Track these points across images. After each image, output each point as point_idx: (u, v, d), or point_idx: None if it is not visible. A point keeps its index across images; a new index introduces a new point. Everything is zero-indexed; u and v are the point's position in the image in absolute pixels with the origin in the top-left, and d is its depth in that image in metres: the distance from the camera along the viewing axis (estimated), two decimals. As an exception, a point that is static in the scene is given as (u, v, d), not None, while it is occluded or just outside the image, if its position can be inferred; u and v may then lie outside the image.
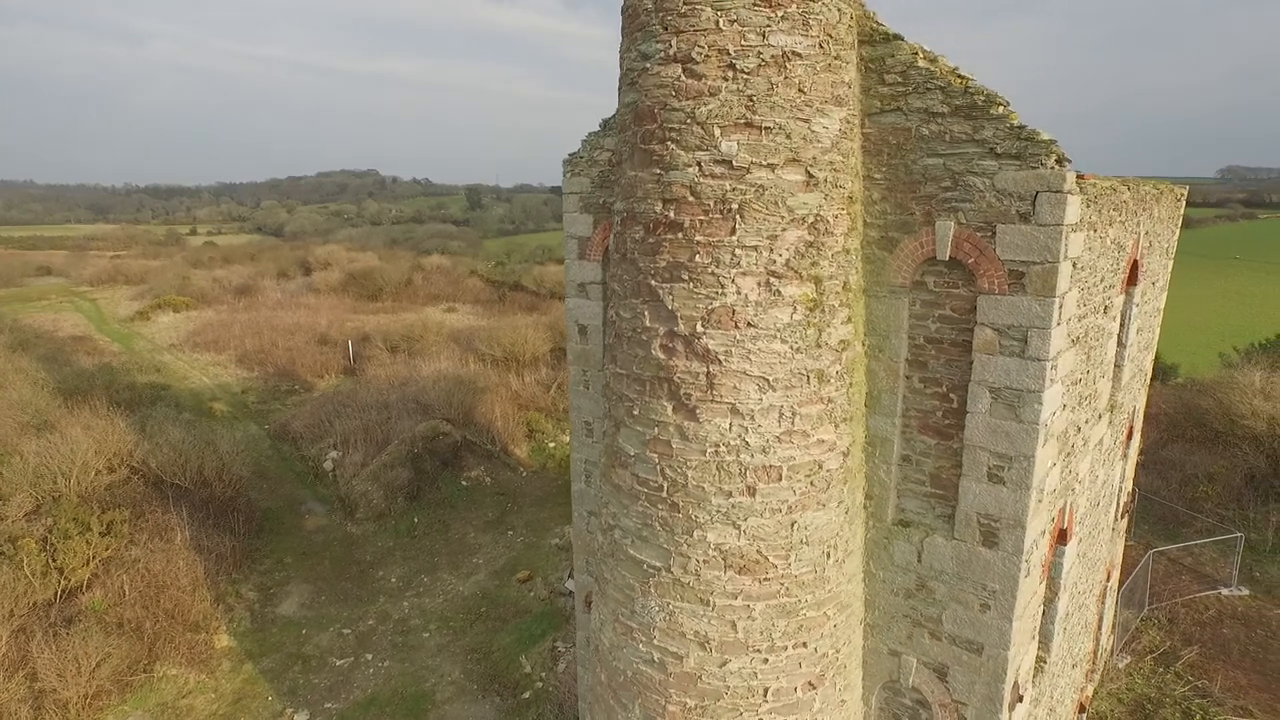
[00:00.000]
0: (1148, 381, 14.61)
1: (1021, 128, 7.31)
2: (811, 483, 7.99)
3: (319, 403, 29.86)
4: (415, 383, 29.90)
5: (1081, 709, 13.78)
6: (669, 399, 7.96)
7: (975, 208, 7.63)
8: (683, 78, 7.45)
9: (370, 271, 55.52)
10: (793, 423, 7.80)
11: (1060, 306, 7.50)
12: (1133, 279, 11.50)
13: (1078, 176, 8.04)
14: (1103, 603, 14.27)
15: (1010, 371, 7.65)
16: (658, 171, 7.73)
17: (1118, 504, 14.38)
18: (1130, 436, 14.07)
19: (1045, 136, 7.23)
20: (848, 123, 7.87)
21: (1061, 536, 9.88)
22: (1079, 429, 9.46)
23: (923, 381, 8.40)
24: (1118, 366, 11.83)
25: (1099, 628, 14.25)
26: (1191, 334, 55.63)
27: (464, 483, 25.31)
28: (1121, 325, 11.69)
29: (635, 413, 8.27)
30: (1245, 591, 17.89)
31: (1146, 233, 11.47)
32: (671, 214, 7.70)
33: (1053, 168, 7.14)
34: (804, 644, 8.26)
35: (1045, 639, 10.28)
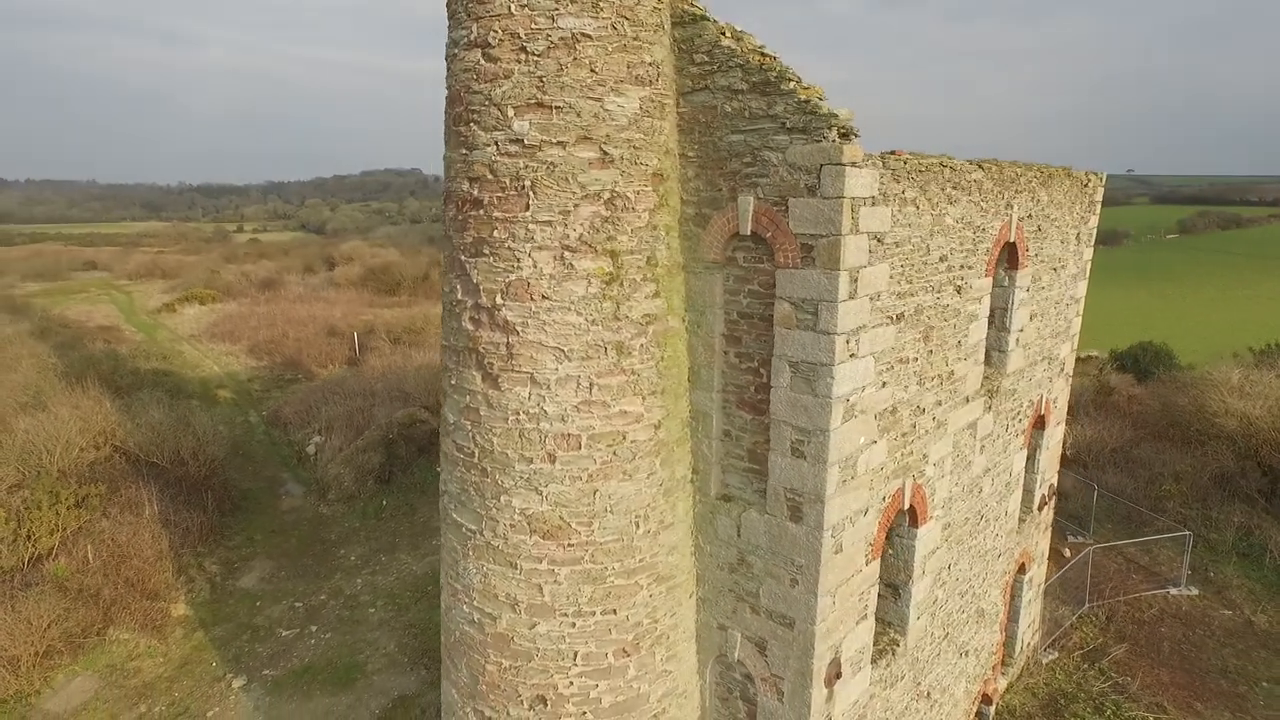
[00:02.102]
0: (1065, 372, 14.29)
1: (806, 102, 7.41)
2: (615, 453, 8.21)
3: (310, 391, 30.97)
4: (400, 372, 30.77)
5: (987, 700, 13.60)
6: (477, 369, 8.28)
7: (771, 183, 7.76)
8: (482, 62, 7.75)
9: (389, 266, 57.02)
10: (590, 393, 8.03)
11: (854, 280, 7.57)
12: (1012, 262, 11.35)
13: (890, 153, 8.11)
14: (1011, 595, 14.04)
15: (805, 345, 7.74)
16: (464, 152, 8.05)
17: (1033, 495, 14.14)
18: (1041, 426, 13.80)
19: (826, 110, 7.32)
20: (652, 101, 8.05)
21: (913, 519, 9.87)
22: (923, 410, 9.43)
23: (738, 357, 8.54)
24: (1000, 351, 11.68)
25: (1008, 619, 14.02)
26: (1228, 334, 53.37)
27: (437, 469, 25.96)
28: (1001, 309, 11.53)
29: (453, 382, 8.61)
30: (1194, 591, 17.30)
31: (1029, 216, 11.30)
32: (475, 192, 8.01)
33: (834, 141, 7.22)
34: (613, 611, 8.48)
35: (899, 622, 10.27)
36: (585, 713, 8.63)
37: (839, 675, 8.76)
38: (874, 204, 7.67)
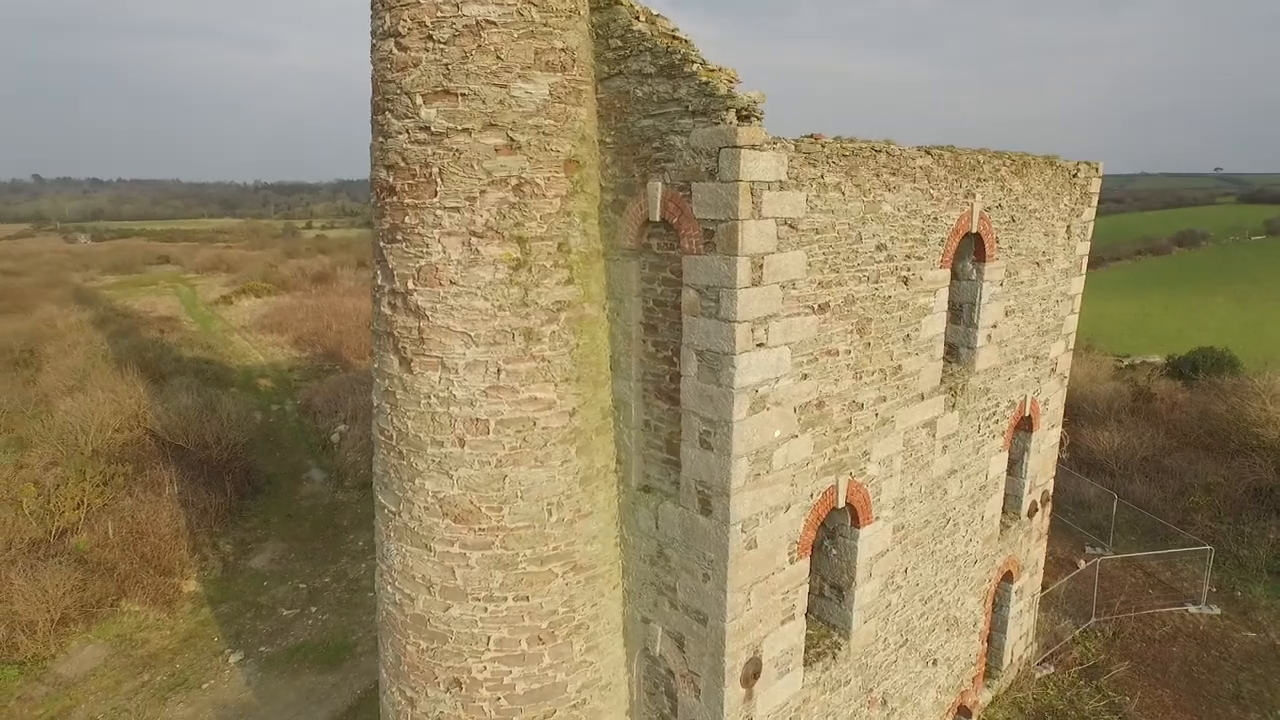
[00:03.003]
0: (1058, 372, 13.55)
1: (706, 84, 7.25)
2: (524, 439, 8.19)
3: (341, 381, 31.97)
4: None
5: (965, 712, 13.03)
6: (394, 353, 8.40)
7: (677, 167, 7.62)
8: (394, 51, 7.85)
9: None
10: (498, 378, 8.04)
11: (758, 266, 7.36)
12: (980, 254, 10.83)
13: (809, 137, 7.87)
14: (995, 604, 13.40)
15: (709, 333, 7.57)
16: (381, 140, 8.18)
17: (1020, 501, 13.48)
18: (1029, 428, 13.12)
19: (724, 91, 7.14)
20: (565, 87, 8.01)
21: (854, 518, 9.54)
22: (862, 405, 9.09)
23: (655, 345, 8.41)
24: (968, 348, 11.16)
25: (991, 629, 13.39)
26: (1308, 340, 49.72)
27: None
28: (968, 304, 11.02)
29: (377, 366, 8.76)
30: (1216, 610, 16.17)
31: (998, 206, 10.76)
32: (390, 179, 8.12)
33: (731, 123, 7.04)
34: (526, 598, 8.47)
35: (842, 624, 9.94)
36: (500, 698, 8.65)
37: (757, 675, 8.53)
38: (782, 188, 7.43)
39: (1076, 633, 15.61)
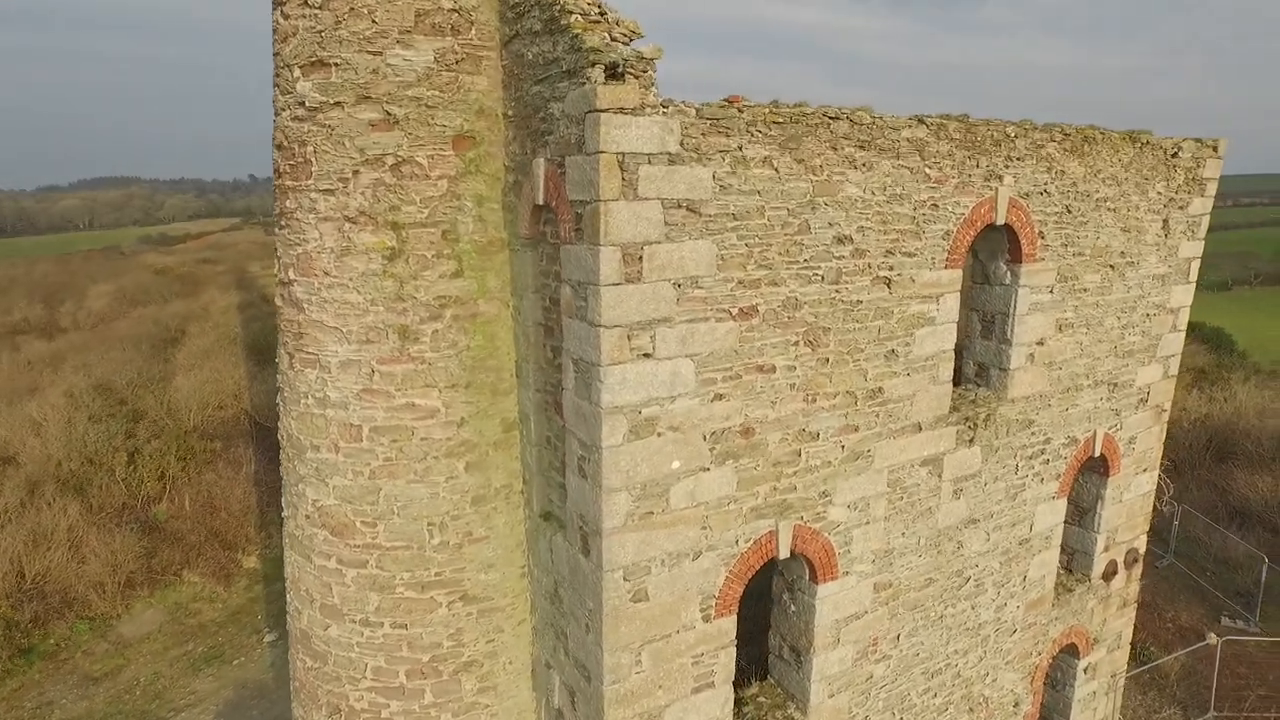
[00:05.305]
0: (1150, 403, 10.74)
1: (576, 37, 6.01)
2: (401, 449, 7.33)
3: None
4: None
5: (1001, 815, 10.66)
6: (284, 348, 7.84)
7: (556, 139, 6.45)
8: (280, 20, 7.28)
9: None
10: (371, 380, 7.24)
11: (633, 258, 6.04)
12: (1015, 254, 8.64)
13: (725, 101, 6.43)
14: (1045, 683, 10.86)
15: (581, 339, 6.34)
16: (274, 118, 7.63)
17: (1091, 560, 10.87)
18: (1104, 471, 10.50)
19: (591, 43, 5.87)
20: (456, 54, 7.06)
21: (812, 573, 7.86)
22: (816, 435, 7.40)
23: (552, 351, 7.26)
24: (999, 369, 8.96)
25: (1038, 712, 10.86)
26: None
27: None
28: (1001, 315, 8.84)
29: (276, 361, 8.26)
30: (1390, 727, 12.37)
31: (1043, 192, 8.53)
32: (278, 160, 7.56)
33: (595, 81, 5.77)
34: (404, 626, 7.62)
35: (800, 695, 8.25)
36: (381, 733, 7.87)
37: (656, 749, 7.13)
38: (671, 162, 6.04)
39: (1182, 730, 12.51)
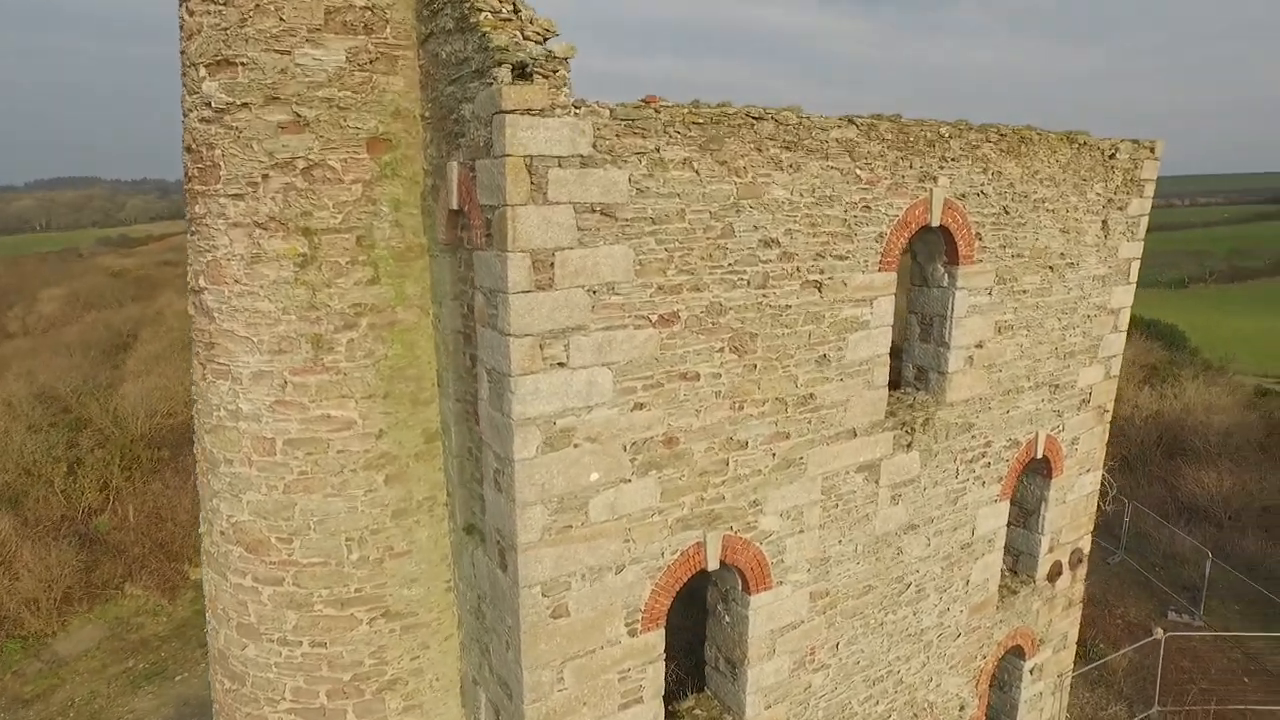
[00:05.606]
0: (1091, 403, 10.81)
1: (484, 35, 5.81)
2: (316, 463, 7.07)
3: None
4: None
5: (947, 818, 10.65)
6: (196, 359, 7.54)
7: (468, 142, 6.26)
8: (185, 17, 6.97)
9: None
10: (284, 392, 6.97)
11: (544, 265, 5.87)
12: (952, 255, 8.61)
13: (641, 101, 6.27)
14: (991, 685, 10.88)
15: (493, 348, 6.16)
16: (182, 119, 7.32)
17: (1036, 561, 10.91)
18: (1047, 473, 10.54)
19: (498, 42, 5.67)
20: (369, 53, 6.81)
21: (745, 583, 7.73)
22: (745, 444, 7.28)
23: (471, 359, 7.04)
24: (937, 372, 8.93)
25: (984, 715, 10.87)
26: None
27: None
28: (939, 317, 8.81)
29: (192, 373, 7.94)
30: (1327, 720, 12.61)
31: (980, 194, 8.51)
32: (188, 164, 7.26)
33: (501, 81, 5.57)
34: (323, 645, 7.35)
35: (735, 708, 8.13)
36: (302, 756, 7.59)
37: (582, 767, 6.95)
38: (583, 165, 5.86)
39: (1126, 727, 12.64)
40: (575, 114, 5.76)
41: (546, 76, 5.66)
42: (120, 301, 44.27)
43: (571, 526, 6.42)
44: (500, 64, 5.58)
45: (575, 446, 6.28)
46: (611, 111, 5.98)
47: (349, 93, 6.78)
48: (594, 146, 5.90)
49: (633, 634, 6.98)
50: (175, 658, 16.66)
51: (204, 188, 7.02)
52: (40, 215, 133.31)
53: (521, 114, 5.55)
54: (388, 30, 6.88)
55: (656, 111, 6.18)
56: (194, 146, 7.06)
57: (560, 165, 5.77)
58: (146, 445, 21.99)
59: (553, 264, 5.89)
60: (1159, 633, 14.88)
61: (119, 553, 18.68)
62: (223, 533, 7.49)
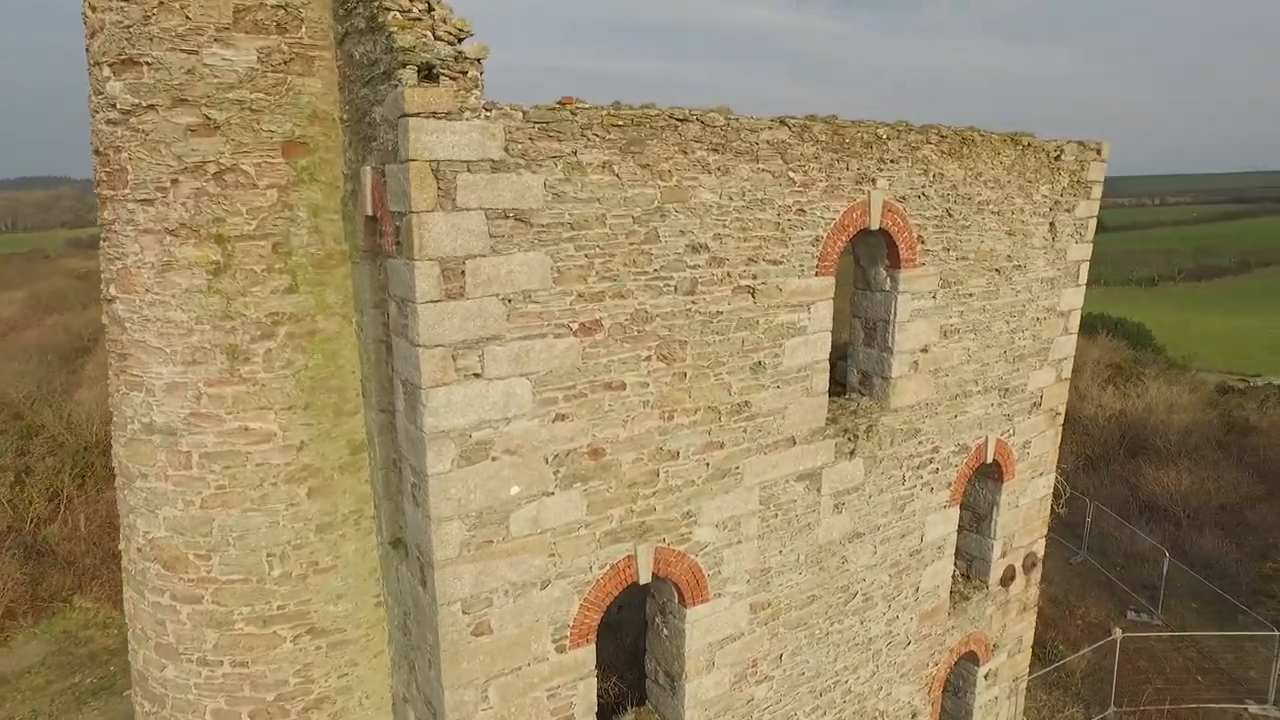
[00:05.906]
0: (1042, 406, 10.79)
1: (391, 35, 5.62)
2: (234, 476, 6.84)
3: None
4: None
5: (898, 825, 10.58)
6: (110, 369, 7.29)
7: (379, 146, 6.06)
8: (88, 13, 6.70)
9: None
10: (199, 404, 6.73)
11: (455, 273, 5.70)
12: (894, 259, 8.52)
13: (557, 103, 6.10)
14: (953, 691, 10.85)
15: (406, 359, 5.97)
16: (91, 121, 7.05)
17: (989, 566, 10.88)
18: (998, 478, 10.51)
19: (402, 43, 5.48)
20: (283, 54, 6.59)
21: (681, 596, 7.59)
22: (676, 454, 7.13)
23: (392, 369, 6.83)
24: (881, 378, 8.85)
25: (935, 724, 10.83)
26: None
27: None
28: (882, 322, 8.72)
29: (108, 384, 7.67)
30: None
31: (920, 196, 8.43)
32: (97, 166, 6.99)
33: (405, 83, 5.38)
34: (244, 664, 7.12)
35: (674, 720, 7.98)
36: (224, 780, 7.35)
37: (509, 787, 6.77)
38: (494, 169, 5.69)
39: (1081, 729, 12.66)
40: (485, 117, 5.59)
41: (454, 78, 5.49)
42: (83, 304, 43.31)
43: (492, 541, 6.24)
44: (405, 65, 5.39)
45: (494, 459, 6.10)
46: (525, 114, 5.81)
47: (262, 94, 6.55)
48: (506, 150, 5.73)
49: (561, 650, 6.81)
50: (124, 672, 16.17)
51: (112, 192, 6.76)
52: (6, 216, 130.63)
53: (427, 117, 5.38)
54: (303, 30, 6.66)
55: (573, 114, 6.02)
56: (101, 149, 6.79)
57: (470, 170, 5.60)
58: (101, 452, 21.46)
59: (464, 272, 5.71)
60: (1117, 633, 14.95)
61: (68, 564, 18.19)
62: (140, 549, 7.24)
